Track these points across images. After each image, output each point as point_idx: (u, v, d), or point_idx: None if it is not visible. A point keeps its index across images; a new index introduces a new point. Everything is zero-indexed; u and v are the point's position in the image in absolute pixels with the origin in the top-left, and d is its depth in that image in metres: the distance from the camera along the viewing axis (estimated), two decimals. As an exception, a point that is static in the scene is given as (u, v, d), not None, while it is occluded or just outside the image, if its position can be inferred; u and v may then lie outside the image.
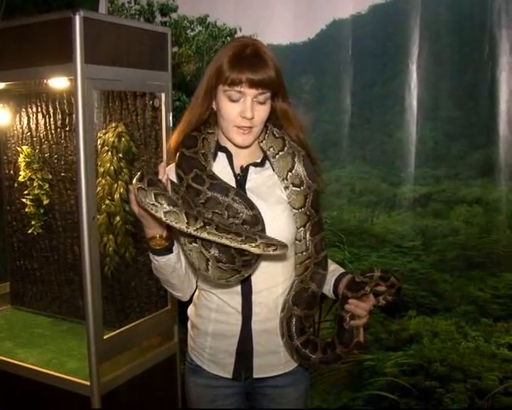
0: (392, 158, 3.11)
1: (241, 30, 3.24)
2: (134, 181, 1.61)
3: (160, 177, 1.61)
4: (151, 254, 1.75)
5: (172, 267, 1.78)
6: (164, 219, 1.56)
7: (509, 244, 2.97)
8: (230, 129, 1.76)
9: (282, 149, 1.85)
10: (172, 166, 1.82)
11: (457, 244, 3.05)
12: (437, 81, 2.99)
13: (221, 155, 1.86)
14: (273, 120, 1.86)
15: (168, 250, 1.73)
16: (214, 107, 1.79)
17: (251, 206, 1.72)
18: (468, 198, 3.02)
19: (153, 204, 1.55)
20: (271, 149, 1.87)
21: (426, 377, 3.14)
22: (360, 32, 3.06)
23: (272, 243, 1.64)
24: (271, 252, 1.64)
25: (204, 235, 1.58)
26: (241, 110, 1.71)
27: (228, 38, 3.27)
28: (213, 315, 1.89)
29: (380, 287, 1.85)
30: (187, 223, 1.56)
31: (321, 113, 3.16)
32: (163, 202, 1.55)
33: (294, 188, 1.85)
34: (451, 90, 2.98)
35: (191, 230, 1.57)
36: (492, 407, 3.04)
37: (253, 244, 1.61)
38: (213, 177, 1.74)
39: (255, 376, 1.90)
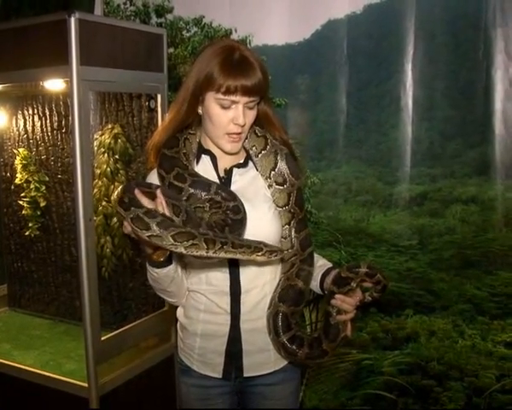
0: (387, 157, 3.11)
1: (236, 31, 3.24)
2: (137, 230, 1.53)
3: (159, 209, 1.57)
4: (150, 267, 1.73)
5: (171, 277, 1.77)
6: (185, 252, 1.56)
7: (505, 243, 2.97)
8: (221, 136, 1.76)
9: (264, 148, 1.86)
10: (155, 170, 1.81)
11: (454, 243, 3.05)
12: (432, 80, 3.00)
13: (205, 158, 1.86)
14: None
15: (168, 261, 1.72)
16: (200, 111, 1.78)
17: (233, 197, 1.72)
18: (463, 197, 3.02)
19: (172, 244, 1.53)
20: (254, 148, 1.87)
21: (423, 376, 3.15)
22: (355, 32, 3.06)
23: (273, 249, 1.66)
24: (273, 258, 1.66)
25: (222, 254, 1.58)
26: (234, 117, 1.71)
27: (223, 38, 3.27)
28: (202, 316, 1.89)
29: (366, 283, 1.85)
30: (207, 249, 1.56)
31: (316, 113, 3.17)
32: (183, 239, 1.53)
33: (278, 186, 1.86)
34: (447, 89, 2.98)
35: (210, 253, 1.57)
36: (490, 405, 3.04)
37: (260, 253, 1.63)
38: (195, 174, 1.74)
39: (246, 375, 1.91)
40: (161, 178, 1.75)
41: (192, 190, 1.70)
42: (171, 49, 3.37)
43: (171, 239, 1.52)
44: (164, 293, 1.87)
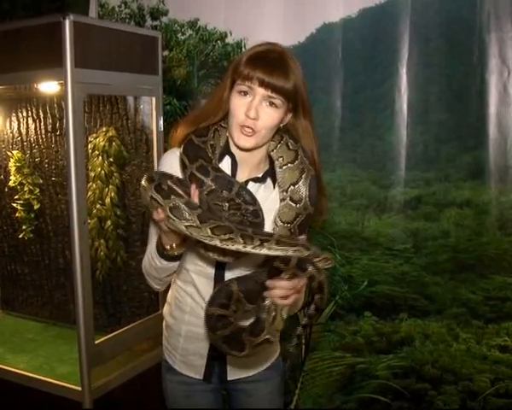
0: (382, 161, 3.11)
1: (231, 34, 3.23)
2: (174, 219, 1.53)
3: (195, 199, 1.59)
4: (158, 257, 1.72)
5: (173, 270, 1.79)
6: (220, 245, 1.54)
7: (500, 246, 2.97)
8: (234, 126, 1.70)
9: (292, 162, 1.78)
10: (176, 151, 1.78)
11: (448, 247, 3.05)
12: (427, 84, 2.99)
13: (226, 161, 1.80)
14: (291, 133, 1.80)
15: (179, 257, 1.74)
16: None
17: (253, 201, 1.69)
18: (458, 200, 3.01)
19: (208, 236, 1.53)
20: (281, 159, 1.80)
21: (418, 380, 3.14)
22: (350, 36, 3.05)
23: (328, 257, 1.62)
24: (325, 266, 1.62)
25: (264, 251, 1.55)
26: (246, 108, 1.65)
27: (218, 41, 3.27)
28: (187, 317, 1.90)
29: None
30: (244, 244, 1.54)
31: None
32: (219, 232, 1.53)
33: (291, 202, 1.77)
34: (441, 93, 2.98)
35: (248, 248, 1.55)
36: (484, 409, 3.04)
37: (316, 260, 1.60)
38: (218, 169, 1.70)
39: (229, 378, 1.94)
40: (183, 165, 1.71)
41: (214, 187, 1.67)
42: (166, 52, 3.36)
43: (209, 231, 1.52)
44: (154, 280, 1.86)
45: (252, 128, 1.67)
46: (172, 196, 1.54)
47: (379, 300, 3.17)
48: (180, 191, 1.58)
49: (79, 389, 2.63)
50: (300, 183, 1.77)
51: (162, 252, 1.71)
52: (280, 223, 1.78)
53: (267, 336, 1.65)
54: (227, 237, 1.53)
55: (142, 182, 1.61)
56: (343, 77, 3.09)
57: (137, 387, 2.92)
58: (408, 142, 3.04)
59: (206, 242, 1.55)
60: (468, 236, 3.02)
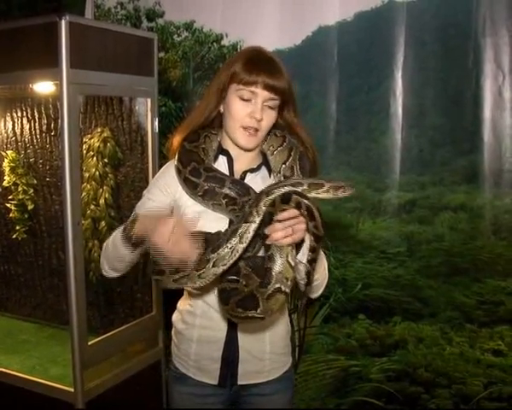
0: (377, 164, 3.11)
1: (227, 36, 3.24)
2: (201, 272, 1.62)
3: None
4: (125, 243, 1.76)
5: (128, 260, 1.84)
6: (247, 243, 1.60)
7: (494, 250, 2.97)
8: (237, 129, 1.77)
9: (281, 145, 1.85)
10: (172, 162, 1.85)
11: (442, 250, 3.06)
12: (422, 88, 3.00)
13: (221, 159, 1.87)
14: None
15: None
16: (221, 109, 1.82)
17: (246, 191, 1.73)
18: (452, 204, 3.02)
19: (232, 251, 1.59)
20: (271, 148, 1.87)
21: (411, 383, 3.14)
22: (346, 39, 3.06)
23: (340, 185, 1.60)
24: (340, 195, 1.60)
25: (264, 209, 1.58)
26: (251, 111, 1.72)
27: (214, 43, 3.28)
28: (198, 321, 1.89)
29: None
30: (256, 215, 1.58)
31: (306, 119, 3.09)
32: (234, 238, 1.59)
33: None
34: (436, 97, 2.99)
35: (257, 220, 1.59)
36: (477, 413, 3.05)
37: (320, 190, 1.59)
38: (210, 169, 1.77)
39: (239, 382, 1.90)
40: (178, 171, 1.80)
41: (207, 186, 1.73)
42: (162, 54, 3.36)
43: (228, 250, 1.59)
44: (113, 265, 1.91)
45: (255, 128, 1.75)
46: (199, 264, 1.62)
47: (373, 303, 3.17)
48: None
49: (72, 390, 2.61)
50: (290, 159, 1.83)
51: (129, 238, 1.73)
52: None
53: (277, 285, 1.61)
54: (238, 237, 1.59)
55: (157, 277, 1.72)
56: (338, 80, 3.10)
57: (131, 388, 2.92)
58: (403, 145, 3.04)
59: (237, 256, 1.61)
60: (463, 239, 3.03)
